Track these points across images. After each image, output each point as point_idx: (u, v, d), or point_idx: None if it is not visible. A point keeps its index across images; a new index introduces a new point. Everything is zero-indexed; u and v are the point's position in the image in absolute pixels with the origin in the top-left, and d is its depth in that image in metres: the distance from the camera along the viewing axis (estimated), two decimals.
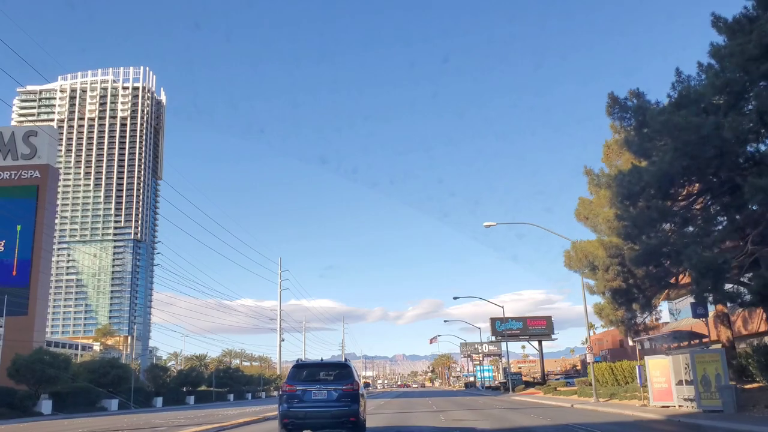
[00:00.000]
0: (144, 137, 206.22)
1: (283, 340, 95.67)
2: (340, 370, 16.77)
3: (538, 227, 43.82)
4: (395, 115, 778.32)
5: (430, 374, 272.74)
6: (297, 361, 17.92)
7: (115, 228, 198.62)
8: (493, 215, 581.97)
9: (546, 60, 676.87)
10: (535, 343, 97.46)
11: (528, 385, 71.97)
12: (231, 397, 66.26)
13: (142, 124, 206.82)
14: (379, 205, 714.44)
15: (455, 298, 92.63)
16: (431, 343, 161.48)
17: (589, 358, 32.28)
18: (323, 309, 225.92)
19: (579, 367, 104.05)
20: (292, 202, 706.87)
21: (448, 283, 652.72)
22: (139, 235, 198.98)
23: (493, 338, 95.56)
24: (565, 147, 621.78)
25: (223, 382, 67.58)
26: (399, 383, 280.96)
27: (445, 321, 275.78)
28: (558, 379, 78.36)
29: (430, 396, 63.42)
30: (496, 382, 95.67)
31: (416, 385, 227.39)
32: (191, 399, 56.45)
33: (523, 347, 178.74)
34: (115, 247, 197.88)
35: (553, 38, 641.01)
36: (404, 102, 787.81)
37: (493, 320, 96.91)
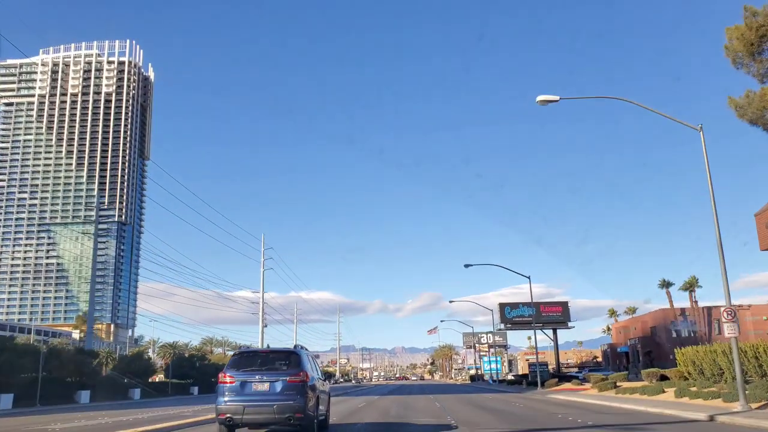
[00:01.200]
0: (130, 115, 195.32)
1: (265, 326, 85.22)
2: (287, 359, 14.55)
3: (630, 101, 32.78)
4: (424, 94, 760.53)
5: (429, 366, 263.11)
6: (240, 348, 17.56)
7: (99, 209, 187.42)
8: (518, 197, 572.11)
9: (578, 43, 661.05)
10: (545, 334, 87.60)
11: (559, 379, 56.72)
12: (195, 390, 55.76)
13: (128, 101, 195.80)
14: (402, 186, 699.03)
15: (467, 266, 64.77)
16: (431, 333, 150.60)
17: (730, 331, 18.99)
18: (322, 301, 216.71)
19: (599, 359, 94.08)
20: (293, 186, 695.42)
21: (449, 276, 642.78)
22: (123, 217, 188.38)
23: (502, 326, 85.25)
24: (590, 128, 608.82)
25: (185, 373, 57.06)
26: (397, 375, 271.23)
27: (450, 301, 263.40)
28: (579, 372, 68.12)
29: (434, 392, 48.07)
30: (509, 375, 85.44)
31: (415, 378, 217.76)
32: (136, 393, 45.79)
33: (529, 338, 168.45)
34: (98, 229, 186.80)
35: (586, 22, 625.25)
36: (435, 80, 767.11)
37: (503, 306, 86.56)
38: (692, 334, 68.46)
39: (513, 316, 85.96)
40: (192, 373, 56.71)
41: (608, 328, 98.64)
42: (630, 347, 73.40)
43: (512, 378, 74.69)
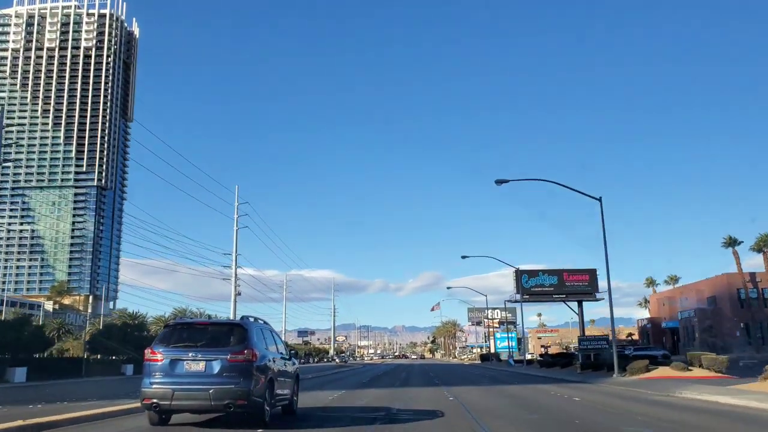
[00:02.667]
0: (111, 72, 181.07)
1: (239, 294, 72.28)
2: (230, 333, 11.89)
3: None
4: (430, 68, 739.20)
5: (430, 345, 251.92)
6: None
7: (77, 173, 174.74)
8: (525, 172, 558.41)
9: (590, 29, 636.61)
10: (569, 307, 74.72)
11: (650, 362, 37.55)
12: (129, 369, 42.84)
13: (109, 57, 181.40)
14: (393, 166, 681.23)
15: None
16: (433, 310, 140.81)
17: None
18: (324, 279, 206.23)
19: (635, 336, 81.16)
20: (293, 164, 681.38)
21: (450, 256, 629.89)
22: (104, 182, 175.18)
23: (518, 296, 72.31)
24: (605, 108, 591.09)
25: (114, 348, 43.83)
26: (396, 353, 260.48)
27: (448, 287, 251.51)
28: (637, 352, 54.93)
29: (444, 379, 33.34)
30: (534, 356, 73.04)
31: (415, 356, 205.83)
32: (20, 373, 32.39)
33: (539, 315, 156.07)
34: (76, 194, 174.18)
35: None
36: (443, 56, 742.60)
37: (519, 273, 73.37)
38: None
39: (531, 285, 72.98)
40: (123, 348, 43.79)
41: (645, 301, 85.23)
42: (681, 321, 60.63)
43: (547, 358, 58.40)
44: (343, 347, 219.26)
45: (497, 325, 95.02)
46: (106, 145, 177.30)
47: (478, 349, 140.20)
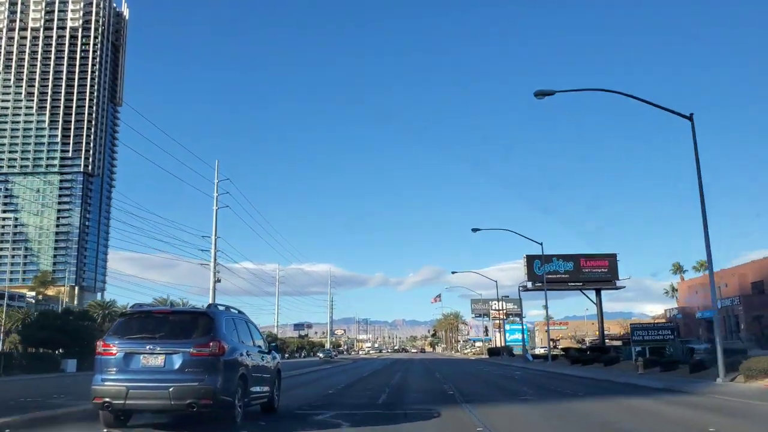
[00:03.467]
0: (99, 54, 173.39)
1: (218, 281, 64.99)
2: (194, 323, 10.58)
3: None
4: (430, 51, 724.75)
5: (430, 338, 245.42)
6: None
7: (62, 159, 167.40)
8: (526, 162, 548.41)
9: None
10: (587, 296, 67.61)
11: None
12: (72, 365, 35.46)
13: (96, 38, 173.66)
14: (395, 159, 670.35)
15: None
16: (434, 301, 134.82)
17: None
18: (324, 273, 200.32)
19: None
20: (291, 152, 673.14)
21: (451, 250, 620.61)
22: (90, 168, 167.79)
23: (530, 284, 65.27)
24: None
25: (53, 339, 36.43)
26: (396, 347, 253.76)
27: (453, 272, 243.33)
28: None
29: (457, 384, 23.92)
30: (545, 350, 65.58)
31: (415, 350, 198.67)
32: None
33: (545, 307, 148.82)
34: (61, 181, 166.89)
35: None
36: (440, 36, 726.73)
37: (531, 259, 66.32)
38: None
39: (544, 272, 65.79)
40: (64, 339, 36.44)
41: (672, 289, 77.43)
42: (723, 311, 53.33)
43: (577, 352, 47.54)
44: (341, 341, 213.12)
45: (504, 317, 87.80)
46: (93, 130, 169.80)
47: (481, 343, 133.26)
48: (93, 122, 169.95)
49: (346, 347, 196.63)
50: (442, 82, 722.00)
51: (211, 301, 62.44)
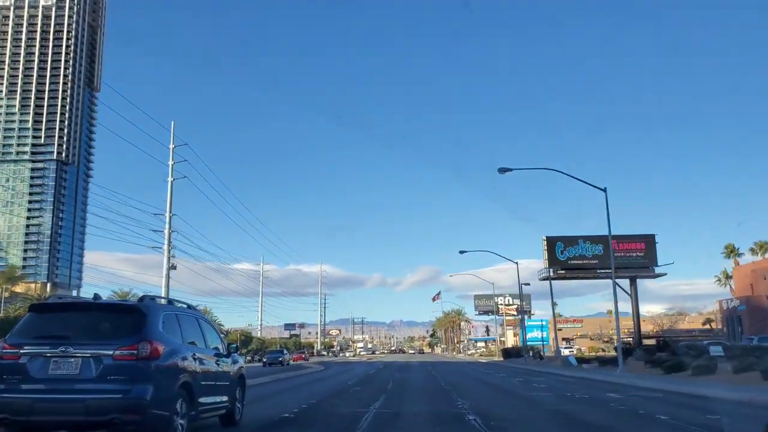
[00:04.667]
0: (74, 35, 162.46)
1: (173, 267, 53.98)
2: (121, 320, 8.79)
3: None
4: (413, 69, 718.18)
5: (429, 339, 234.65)
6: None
7: (34, 146, 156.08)
8: (511, 175, 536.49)
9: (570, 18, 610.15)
10: (620, 287, 56.69)
11: None
12: None
13: (71, 17, 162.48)
14: (390, 162, 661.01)
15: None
16: (434, 300, 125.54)
17: None
18: (322, 273, 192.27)
19: (713, 324, 62.19)
20: (283, 156, 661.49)
21: (448, 250, 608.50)
22: (64, 155, 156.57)
23: (551, 271, 54.21)
24: (587, 102, 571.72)
25: None
26: (393, 348, 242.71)
27: (450, 275, 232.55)
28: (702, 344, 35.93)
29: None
30: (593, 353, 54.43)
31: (413, 351, 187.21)
32: None
33: (555, 304, 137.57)
34: (33, 169, 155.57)
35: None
36: (423, 55, 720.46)
37: (552, 241, 55.04)
38: None
39: (568, 256, 54.71)
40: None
41: (726, 276, 65.28)
42: None
43: (652, 351, 35.91)
44: (334, 341, 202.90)
45: (517, 312, 76.60)
46: (68, 115, 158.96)
47: (484, 343, 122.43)
48: (68, 107, 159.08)
49: (339, 347, 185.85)
50: (431, 83, 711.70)
51: (164, 293, 51.25)
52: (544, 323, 65.57)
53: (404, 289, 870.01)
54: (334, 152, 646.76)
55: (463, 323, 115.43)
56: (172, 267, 54.02)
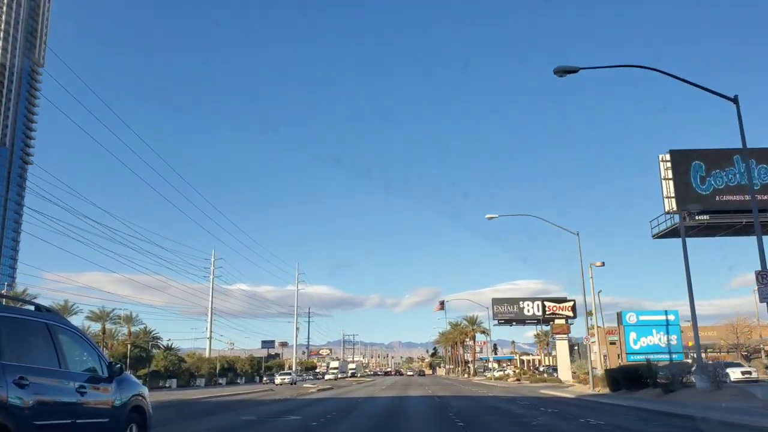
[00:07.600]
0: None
1: None
2: None
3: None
4: (412, 116, 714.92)
5: (429, 358, 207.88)
6: None
7: None
8: (506, 217, 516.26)
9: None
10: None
11: None
12: None
13: None
14: (387, 202, 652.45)
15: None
16: (437, 310, 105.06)
17: None
18: (321, 295, 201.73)
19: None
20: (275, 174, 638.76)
21: (446, 273, 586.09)
22: None
23: (685, 216, 28.29)
24: (578, 150, 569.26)
25: None
26: (387, 370, 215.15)
27: (447, 300, 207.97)
28: None
29: None
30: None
31: (411, 373, 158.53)
32: None
33: (590, 313, 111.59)
34: None
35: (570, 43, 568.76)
36: (422, 103, 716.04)
37: (683, 158, 29.04)
38: None
39: (715, 187, 28.67)
40: None
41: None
42: None
43: None
44: (318, 365, 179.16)
45: (569, 314, 50.30)
46: (3, 91, 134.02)
47: (508, 362, 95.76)
48: (3, 82, 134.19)
49: (327, 368, 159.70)
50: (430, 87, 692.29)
51: None
52: (672, 318, 37.76)
53: (403, 310, 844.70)
54: (338, 195, 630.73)
55: (478, 333, 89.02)
56: None
